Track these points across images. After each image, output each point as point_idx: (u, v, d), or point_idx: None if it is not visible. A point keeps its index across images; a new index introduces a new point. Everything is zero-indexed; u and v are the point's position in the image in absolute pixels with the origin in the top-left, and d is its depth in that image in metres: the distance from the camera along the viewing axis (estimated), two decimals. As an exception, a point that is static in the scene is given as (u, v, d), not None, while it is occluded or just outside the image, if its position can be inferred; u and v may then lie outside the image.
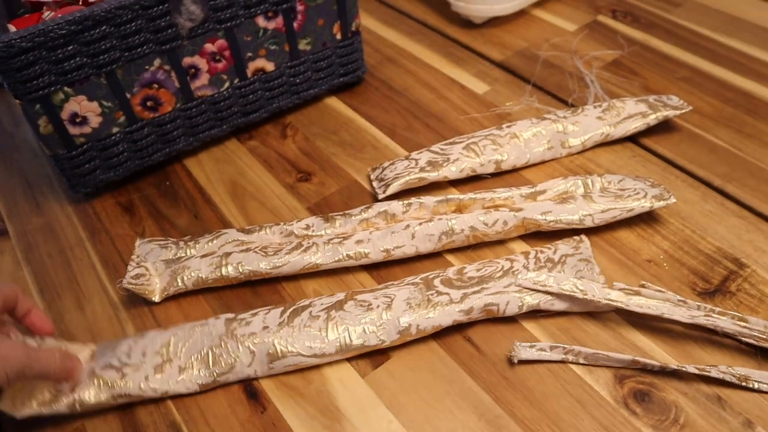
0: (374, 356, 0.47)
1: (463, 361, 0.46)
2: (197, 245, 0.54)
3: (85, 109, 0.56)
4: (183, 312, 0.51)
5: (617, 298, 0.47)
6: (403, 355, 0.47)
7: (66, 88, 0.53)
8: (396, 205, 0.54)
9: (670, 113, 0.59)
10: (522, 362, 0.45)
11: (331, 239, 0.53)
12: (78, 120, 0.56)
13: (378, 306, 0.47)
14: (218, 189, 0.61)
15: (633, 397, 0.43)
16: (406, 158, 0.59)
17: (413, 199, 0.55)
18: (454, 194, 0.56)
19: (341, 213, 0.55)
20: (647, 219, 0.54)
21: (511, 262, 0.49)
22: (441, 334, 0.47)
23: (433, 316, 0.47)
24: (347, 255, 0.51)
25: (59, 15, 0.59)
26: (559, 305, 0.47)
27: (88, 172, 0.59)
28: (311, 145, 0.64)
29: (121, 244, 0.57)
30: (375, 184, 0.59)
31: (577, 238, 0.52)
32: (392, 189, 0.56)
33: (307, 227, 0.54)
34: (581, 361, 0.45)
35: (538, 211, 0.52)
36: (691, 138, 0.61)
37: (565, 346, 0.46)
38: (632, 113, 0.59)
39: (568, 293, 0.47)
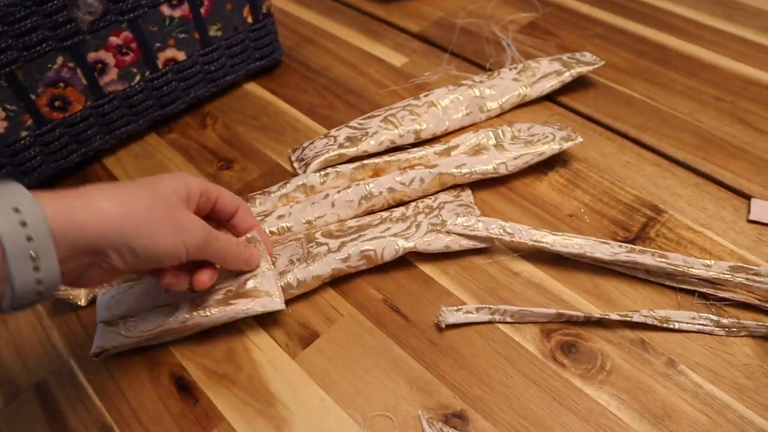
0: (304, 336, 0.46)
1: (392, 331, 0.46)
2: None
3: (-13, 115, 0.54)
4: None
5: (541, 238, 0.47)
6: (333, 332, 0.46)
7: (-36, 95, 0.52)
8: (313, 177, 0.55)
9: (583, 69, 0.60)
10: (450, 327, 0.46)
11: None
12: (-19, 127, 0.54)
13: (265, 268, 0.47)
14: (139, 185, 0.59)
15: (560, 349, 0.44)
16: (325, 136, 0.59)
17: (329, 169, 0.55)
18: (370, 159, 0.56)
19: (260, 192, 0.55)
20: (567, 175, 0.55)
21: (390, 212, 0.51)
22: (368, 306, 0.47)
23: (312, 267, 0.47)
24: (270, 231, 0.51)
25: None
26: (437, 245, 0.48)
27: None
28: (231, 132, 0.63)
29: (40, 251, 0.55)
30: (296, 164, 0.58)
31: (459, 188, 0.53)
32: (312, 168, 0.56)
33: None
34: (508, 319, 0.46)
35: (453, 164, 0.53)
36: (607, 92, 0.62)
37: (491, 306, 0.46)
38: (547, 72, 0.60)
39: (495, 236, 0.48)
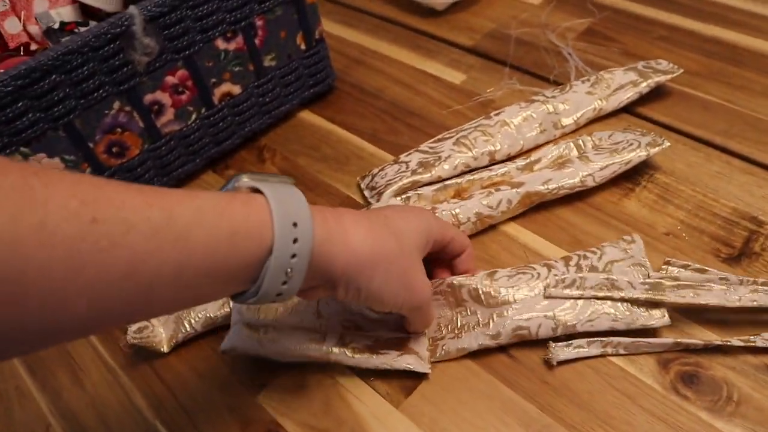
0: (405, 383, 0.44)
1: (499, 372, 0.43)
2: None
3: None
4: (187, 364, 0.48)
5: (654, 295, 0.43)
6: (435, 376, 0.44)
7: (22, 149, 0.49)
8: (395, 202, 0.52)
9: (661, 78, 0.57)
10: (561, 363, 0.43)
11: None
12: (41, 180, 0.51)
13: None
14: (203, 227, 0.57)
15: (681, 380, 0.41)
16: (396, 162, 0.56)
17: (410, 193, 0.53)
18: (451, 179, 0.53)
19: None
20: (656, 190, 0.52)
21: (549, 269, 0.46)
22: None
23: (460, 341, 0.45)
24: None
25: (1, 70, 0.54)
26: (600, 325, 0.43)
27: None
28: (293, 164, 0.61)
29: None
30: (366, 193, 0.56)
31: (628, 238, 0.48)
32: (386, 197, 0.53)
33: None
34: (621, 351, 0.43)
35: (539, 181, 0.51)
36: (684, 99, 0.59)
37: (603, 339, 0.43)
38: (622, 83, 0.57)
39: (602, 296, 0.44)
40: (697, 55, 0.63)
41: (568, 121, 0.56)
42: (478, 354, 0.44)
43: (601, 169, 0.51)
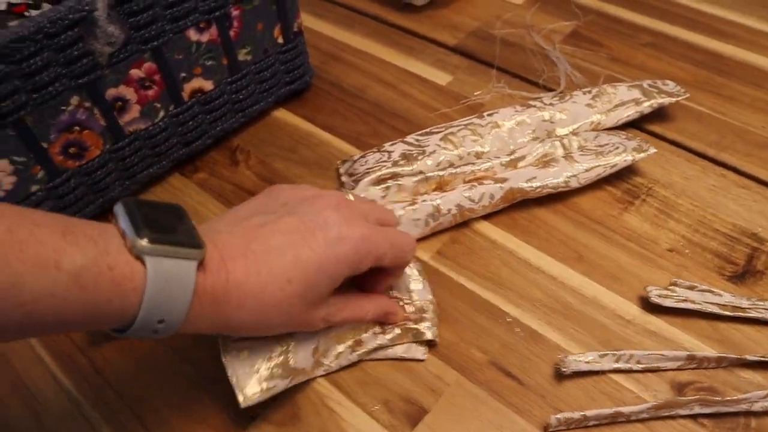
0: (410, 413, 0.40)
1: (508, 399, 0.41)
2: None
3: (-8, 170, 0.45)
4: (164, 398, 0.43)
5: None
6: (443, 405, 0.41)
7: (-36, 149, 0.43)
8: (374, 191, 0.50)
9: (665, 100, 0.55)
10: (574, 390, 0.41)
11: None
12: (-15, 184, 0.45)
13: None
14: (171, 237, 0.52)
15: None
16: (378, 150, 0.53)
17: (390, 183, 0.50)
18: (434, 172, 0.51)
19: None
20: (656, 204, 0.50)
21: None
22: (474, 371, 0.42)
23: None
24: None
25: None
26: None
27: (8, 243, 0.48)
28: (269, 168, 0.56)
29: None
30: (344, 178, 0.53)
31: None
32: (363, 185, 0.50)
33: None
34: (635, 366, 0.41)
35: (523, 178, 0.50)
36: (676, 108, 0.58)
37: (615, 352, 0.41)
38: (625, 100, 0.55)
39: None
40: (685, 64, 0.62)
41: (563, 131, 0.54)
42: (481, 379, 0.42)
43: (586, 171, 0.50)
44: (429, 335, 0.43)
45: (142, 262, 0.30)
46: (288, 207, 0.38)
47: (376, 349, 0.43)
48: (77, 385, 0.44)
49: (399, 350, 0.43)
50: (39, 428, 0.42)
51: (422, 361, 0.43)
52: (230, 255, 0.34)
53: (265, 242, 0.36)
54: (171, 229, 0.32)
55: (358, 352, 0.43)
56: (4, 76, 0.42)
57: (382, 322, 0.43)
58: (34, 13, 0.48)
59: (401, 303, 0.44)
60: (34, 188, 0.47)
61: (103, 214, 0.54)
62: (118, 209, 0.32)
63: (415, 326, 0.43)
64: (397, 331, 0.43)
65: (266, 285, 0.35)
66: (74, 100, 0.46)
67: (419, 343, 0.44)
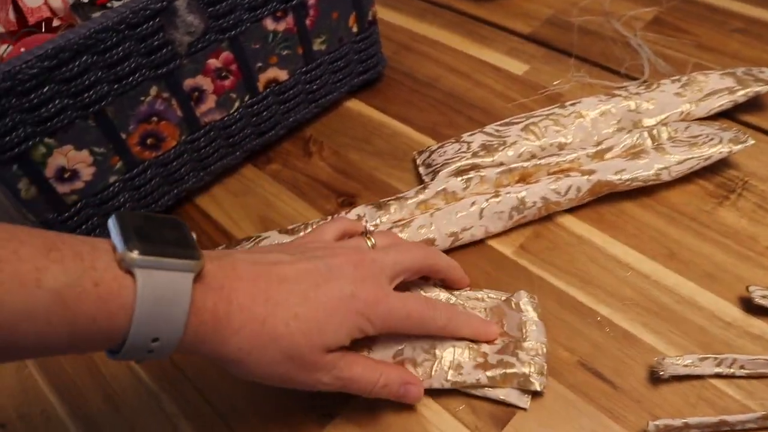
0: (495, 414, 0.39)
1: (600, 403, 0.39)
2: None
3: (73, 161, 0.45)
4: (242, 390, 0.42)
5: None
6: (531, 408, 0.39)
7: (47, 140, 0.43)
8: (455, 182, 0.48)
9: (762, 89, 0.51)
10: (670, 391, 0.38)
11: (389, 228, 0.46)
12: (67, 175, 0.45)
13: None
14: (246, 228, 0.51)
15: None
16: (456, 141, 0.52)
17: (472, 174, 0.48)
18: (518, 163, 0.49)
19: (394, 197, 0.48)
20: (754, 198, 0.47)
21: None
22: (564, 372, 0.40)
23: None
24: None
25: (22, 49, 0.47)
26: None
27: (86, 234, 0.48)
28: (344, 160, 0.55)
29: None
30: (421, 170, 0.52)
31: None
32: (442, 176, 0.49)
33: (359, 218, 0.48)
34: (738, 372, 0.39)
35: (611, 170, 0.47)
36: (771, 97, 0.54)
37: (717, 356, 0.39)
38: (717, 89, 0.52)
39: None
40: (781, 51, 0.58)
41: (650, 122, 0.51)
42: (572, 382, 0.40)
43: (678, 163, 0.47)
44: (537, 386, 0.39)
45: (133, 277, 0.28)
46: (308, 253, 0.37)
47: (474, 386, 0.39)
48: (153, 377, 0.44)
49: (500, 393, 0.39)
50: (119, 418, 0.42)
51: (524, 410, 0.39)
52: (238, 276, 0.33)
53: (277, 275, 0.34)
54: (165, 241, 0.30)
55: (452, 380, 0.39)
56: (88, 67, 0.42)
57: (401, 395, 0.39)
58: (116, 4, 0.48)
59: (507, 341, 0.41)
60: (113, 179, 0.48)
61: (179, 204, 0.54)
62: (111, 223, 0.30)
63: (522, 371, 0.39)
64: (500, 370, 0.39)
65: (270, 315, 0.33)
66: (153, 90, 0.46)
67: (522, 390, 0.39)
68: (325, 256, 0.37)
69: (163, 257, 0.29)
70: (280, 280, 0.34)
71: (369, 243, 0.40)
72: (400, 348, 0.40)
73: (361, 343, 0.39)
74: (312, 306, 0.34)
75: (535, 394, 0.39)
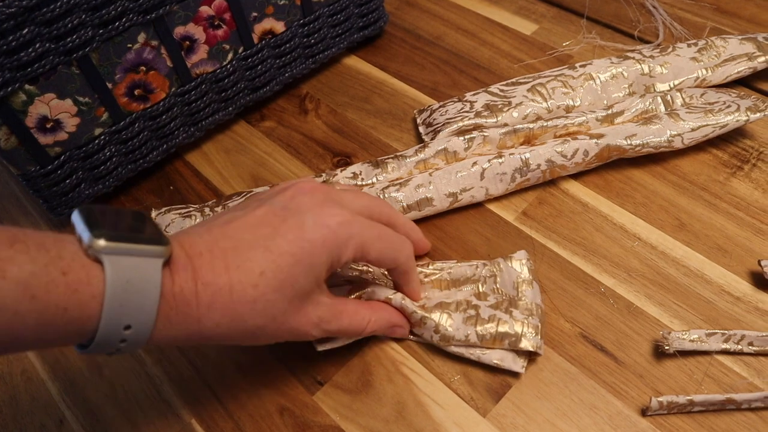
0: (491, 385, 0.37)
1: (601, 377, 0.37)
2: (226, 209, 0.44)
3: (56, 110, 0.42)
4: (227, 354, 0.40)
5: None
6: (529, 380, 0.37)
7: (27, 86, 0.40)
8: (457, 141, 0.46)
9: None
10: (674, 367, 0.37)
11: (386, 187, 0.44)
12: (49, 125, 0.43)
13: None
14: (237, 186, 0.49)
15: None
16: (459, 100, 0.50)
17: (475, 133, 0.46)
18: (523, 124, 0.46)
19: (393, 156, 0.46)
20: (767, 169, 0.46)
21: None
22: (564, 343, 0.38)
23: None
24: (407, 205, 0.44)
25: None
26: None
27: (71, 188, 0.46)
28: (341, 118, 0.52)
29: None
30: (421, 128, 0.50)
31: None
32: (443, 136, 0.47)
33: (355, 176, 0.46)
34: (746, 349, 0.37)
35: (621, 135, 0.45)
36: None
37: (725, 331, 0.37)
38: (735, 54, 0.49)
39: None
40: (802, 16, 0.55)
41: (663, 87, 0.49)
42: (573, 354, 0.38)
43: (692, 130, 0.45)
44: (529, 345, 0.37)
45: (101, 265, 0.27)
46: (260, 201, 0.35)
47: (463, 343, 0.38)
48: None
49: (493, 356, 0.38)
50: (101, 380, 0.41)
51: (519, 374, 0.38)
52: (196, 252, 0.31)
53: (234, 238, 0.32)
54: (132, 228, 0.29)
55: (441, 333, 0.38)
56: (71, 8, 0.39)
57: (389, 334, 0.39)
58: (100, -58, 0.46)
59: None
60: (98, 131, 0.45)
61: (168, 160, 0.52)
62: (75, 216, 0.29)
63: (516, 330, 0.37)
64: (492, 326, 0.37)
65: (236, 282, 0.31)
66: (141, 37, 0.44)
67: (518, 354, 0.38)
68: (275, 194, 0.35)
69: (131, 243, 0.28)
70: (237, 243, 0.32)
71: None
72: (390, 296, 0.38)
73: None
74: (275, 257, 0.32)
75: (532, 363, 0.38)
